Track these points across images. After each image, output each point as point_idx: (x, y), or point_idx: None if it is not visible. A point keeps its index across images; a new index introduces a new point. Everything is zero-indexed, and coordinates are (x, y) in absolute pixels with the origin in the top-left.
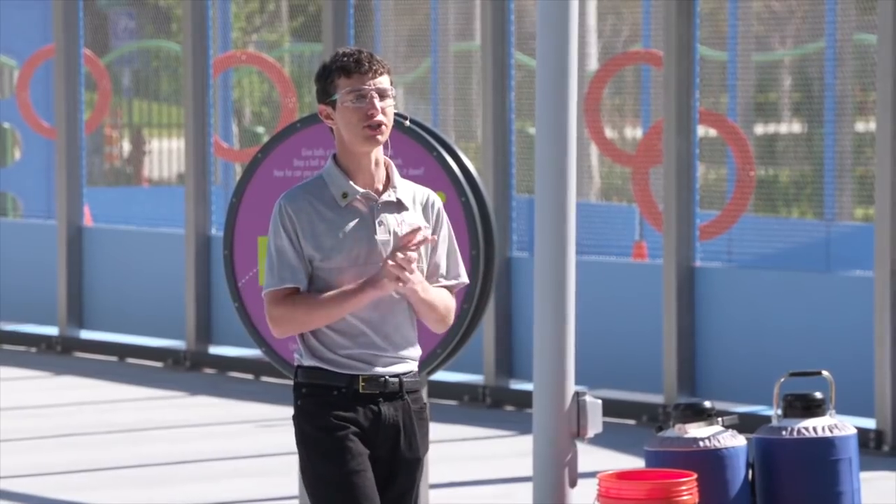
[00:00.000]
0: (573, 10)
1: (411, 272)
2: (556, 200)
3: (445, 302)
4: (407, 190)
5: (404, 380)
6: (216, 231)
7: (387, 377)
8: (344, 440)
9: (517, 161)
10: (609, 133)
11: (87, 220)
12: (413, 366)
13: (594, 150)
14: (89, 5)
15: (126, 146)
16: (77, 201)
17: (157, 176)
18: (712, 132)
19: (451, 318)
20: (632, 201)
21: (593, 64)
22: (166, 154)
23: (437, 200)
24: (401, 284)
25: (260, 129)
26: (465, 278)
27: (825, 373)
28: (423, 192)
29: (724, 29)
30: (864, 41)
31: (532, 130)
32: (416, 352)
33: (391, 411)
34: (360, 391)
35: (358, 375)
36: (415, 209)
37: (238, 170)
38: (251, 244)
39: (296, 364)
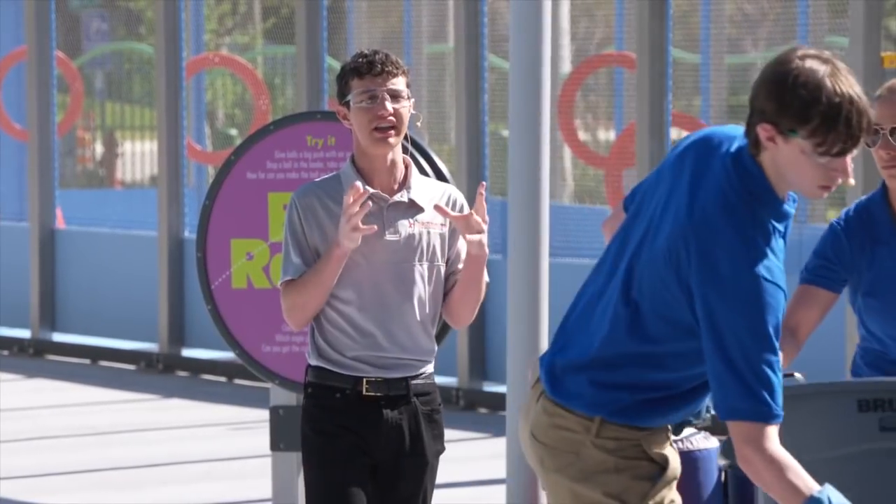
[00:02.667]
0: (546, 13)
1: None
2: (530, 203)
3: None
4: (424, 190)
5: (412, 382)
6: (189, 233)
7: (392, 380)
8: (339, 449)
9: (490, 163)
10: (582, 135)
11: (60, 223)
12: (424, 368)
13: (567, 153)
14: (61, 7)
15: (99, 148)
16: (49, 204)
17: (130, 178)
18: (685, 134)
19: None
20: (605, 203)
21: (566, 66)
22: (139, 156)
23: (459, 197)
24: (359, 236)
25: (233, 132)
26: (486, 276)
27: (798, 374)
28: (444, 191)
29: (697, 31)
30: (836, 44)
31: (505, 133)
32: (428, 354)
33: (395, 415)
34: (364, 393)
35: (362, 378)
36: (431, 210)
37: (211, 172)
38: (224, 247)
39: (307, 362)
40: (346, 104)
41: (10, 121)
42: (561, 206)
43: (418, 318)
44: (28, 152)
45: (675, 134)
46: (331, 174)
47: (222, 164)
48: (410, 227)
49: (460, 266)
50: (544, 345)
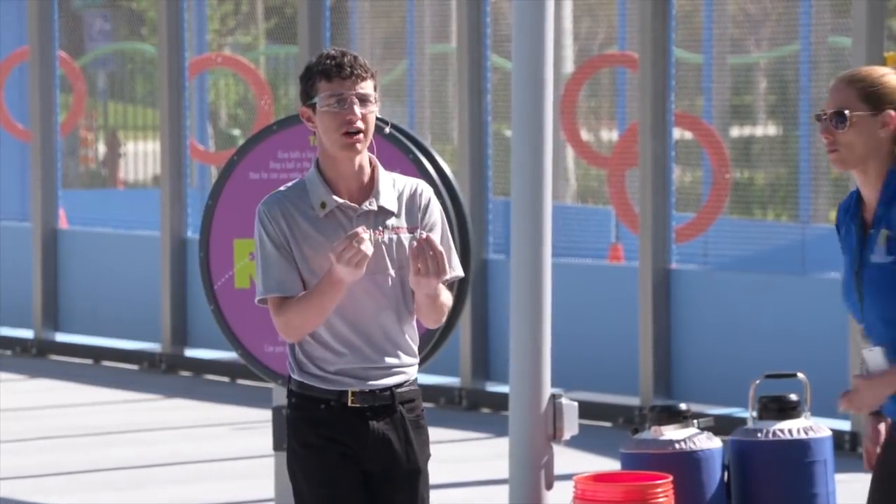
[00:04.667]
0: (549, 13)
1: (358, 248)
2: (533, 203)
3: (443, 296)
4: (391, 192)
5: (396, 392)
6: (192, 234)
7: (377, 391)
8: (327, 462)
9: (493, 163)
10: (585, 135)
11: (63, 223)
12: (408, 375)
13: (570, 153)
14: (64, 7)
15: (101, 148)
16: (52, 204)
17: (133, 178)
18: (688, 135)
19: (446, 313)
20: (608, 204)
21: (569, 66)
22: (142, 156)
23: (426, 190)
24: (358, 268)
25: (236, 132)
26: (459, 271)
27: (800, 375)
28: (410, 187)
29: (700, 31)
30: (839, 44)
31: (508, 133)
32: (410, 359)
33: (381, 426)
34: (349, 405)
35: (347, 390)
36: (399, 213)
37: (214, 172)
38: (227, 247)
39: (288, 372)
40: (312, 106)
41: (13, 121)
42: (563, 206)
43: (398, 322)
44: (31, 152)
45: (678, 134)
46: (295, 181)
47: (225, 164)
48: (380, 234)
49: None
50: (547, 344)
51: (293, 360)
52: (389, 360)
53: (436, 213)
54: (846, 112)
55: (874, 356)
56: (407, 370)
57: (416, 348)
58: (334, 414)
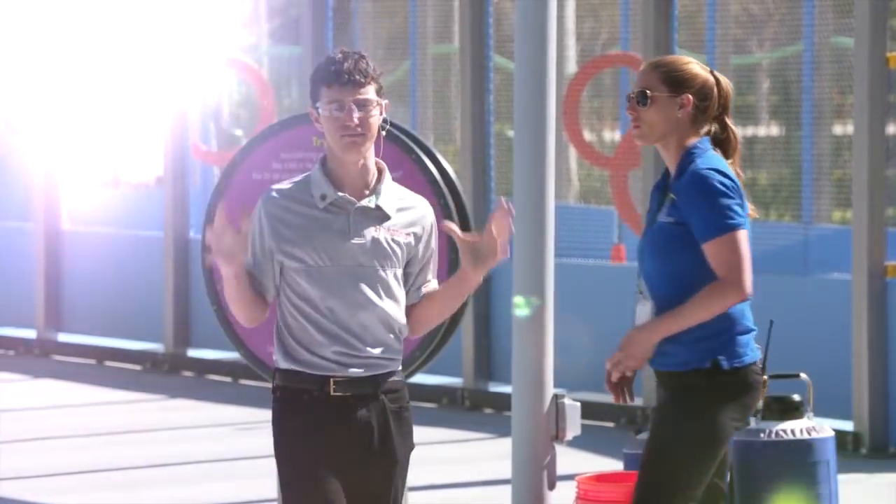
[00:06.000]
0: (551, 13)
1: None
2: (535, 203)
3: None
4: (392, 197)
5: (378, 381)
6: (195, 234)
7: (359, 379)
8: (310, 448)
9: (496, 164)
10: (587, 136)
11: (66, 223)
12: (391, 366)
13: (573, 153)
14: None
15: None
16: (55, 204)
17: (136, 178)
18: None
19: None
20: (610, 204)
21: (572, 66)
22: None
23: (431, 214)
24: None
25: (238, 132)
26: (435, 283)
27: (803, 375)
28: (416, 202)
29: (703, 32)
30: (842, 44)
31: (511, 133)
32: (393, 353)
33: (364, 413)
34: (332, 393)
35: (330, 377)
36: (397, 217)
37: (217, 172)
38: None
39: (273, 366)
40: (317, 108)
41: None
42: (566, 206)
43: (384, 321)
44: (34, 152)
45: None
46: (301, 176)
47: (228, 164)
48: (375, 232)
49: (426, 286)
50: (549, 345)
51: (280, 347)
52: (372, 353)
53: (433, 237)
54: (648, 92)
55: (644, 310)
56: (389, 364)
57: (401, 346)
58: (317, 403)
